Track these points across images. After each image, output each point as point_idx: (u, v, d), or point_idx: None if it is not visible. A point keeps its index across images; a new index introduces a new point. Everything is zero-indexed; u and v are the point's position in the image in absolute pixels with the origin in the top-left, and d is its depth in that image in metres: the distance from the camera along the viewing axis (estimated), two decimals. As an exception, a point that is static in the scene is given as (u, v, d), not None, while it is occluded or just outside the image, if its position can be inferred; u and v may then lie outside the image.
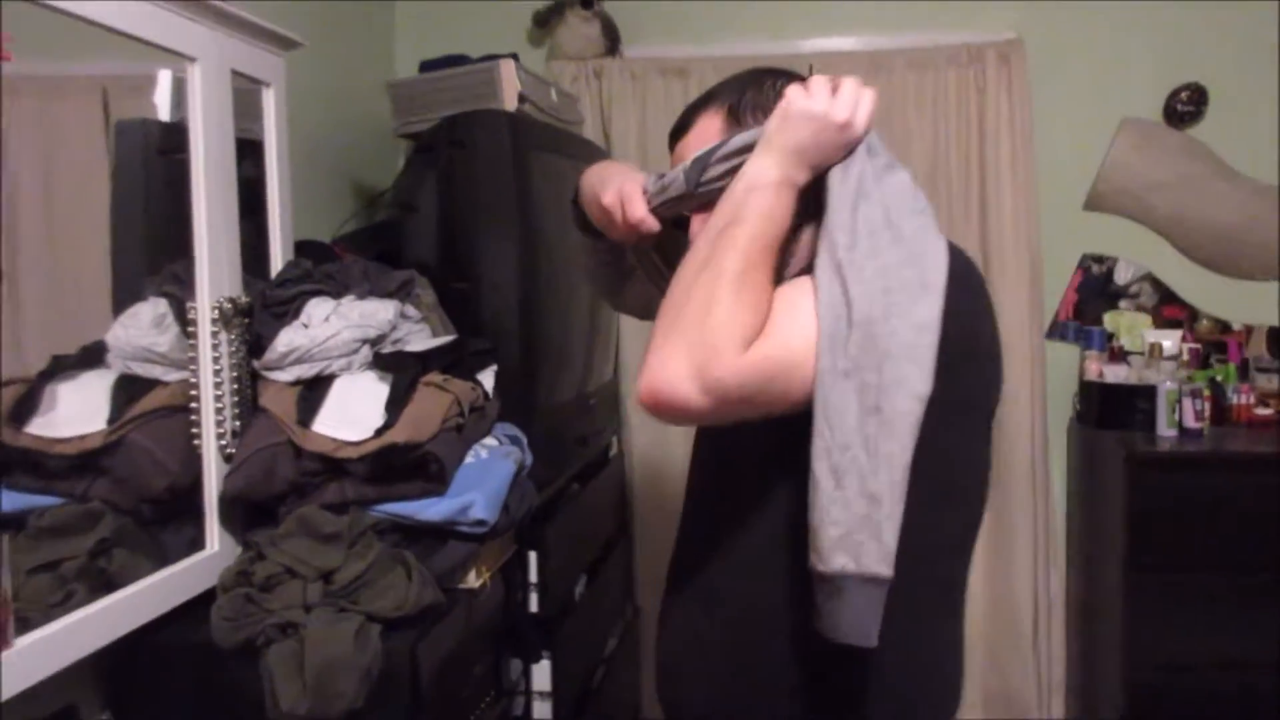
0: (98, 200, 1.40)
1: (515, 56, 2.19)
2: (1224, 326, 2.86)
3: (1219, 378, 2.76)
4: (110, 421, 1.35)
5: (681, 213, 1.15)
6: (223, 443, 1.45)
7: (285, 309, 1.51)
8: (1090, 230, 2.91)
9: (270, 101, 1.65)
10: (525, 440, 1.75)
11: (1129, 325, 2.87)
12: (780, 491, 1.09)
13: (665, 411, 0.97)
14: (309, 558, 1.37)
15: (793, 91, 1.05)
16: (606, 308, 2.50)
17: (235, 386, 1.47)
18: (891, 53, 2.83)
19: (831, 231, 1.01)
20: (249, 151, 1.58)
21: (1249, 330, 2.85)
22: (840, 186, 1.03)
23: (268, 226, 1.66)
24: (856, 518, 0.94)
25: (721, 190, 1.07)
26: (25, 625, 1.12)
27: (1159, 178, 2.85)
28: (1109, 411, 2.70)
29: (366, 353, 1.53)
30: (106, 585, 1.27)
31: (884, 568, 0.94)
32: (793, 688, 1.10)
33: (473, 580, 1.56)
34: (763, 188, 1.02)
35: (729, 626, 1.15)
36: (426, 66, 2.38)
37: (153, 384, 1.41)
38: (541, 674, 1.93)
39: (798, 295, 1.01)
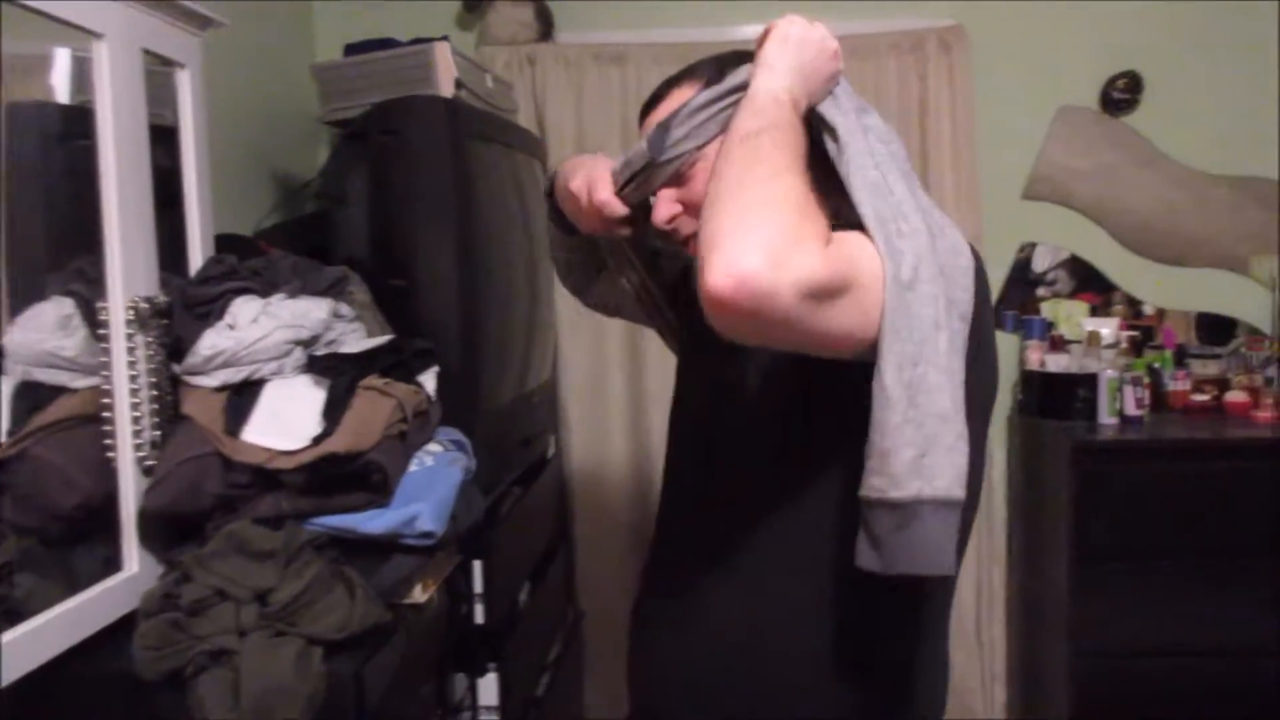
0: (-13, 190, 1.27)
1: (446, 40, 2.09)
2: (1136, 312, 2.89)
3: (1157, 364, 2.79)
4: (10, 434, 1.24)
5: (649, 194, 1.10)
6: (141, 454, 1.33)
7: (208, 309, 1.40)
8: (1030, 218, 2.92)
9: (186, 84, 1.52)
10: (469, 445, 1.66)
11: (1067, 314, 2.89)
12: (828, 478, 1.07)
13: (747, 300, 0.86)
14: (241, 578, 1.26)
15: (785, 20, 1.04)
16: (546, 303, 2.43)
17: (154, 393, 1.35)
18: (831, 40, 2.79)
19: (855, 156, 1.00)
20: (160, 139, 1.46)
21: (1160, 314, 2.90)
22: (842, 117, 1.04)
23: (185, 220, 1.54)
24: (929, 438, 0.91)
25: (685, 157, 1.06)
26: (-84, 667, 1.00)
27: (1081, 166, 2.88)
28: (1050, 401, 2.71)
29: (299, 355, 1.42)
30: (11, 615, 1.15)
31: (959, 489, 0.92)
32: (845, 677, 1.09)
33: (419, 595, 1.46)
34: (782, 102, 0.99)
35: (782, 621, 1.11)
36: (351, 50, 2.26)
37: (58, 391, 1.29)
38: (488, 688, 1.85)
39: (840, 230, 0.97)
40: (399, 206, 1.80)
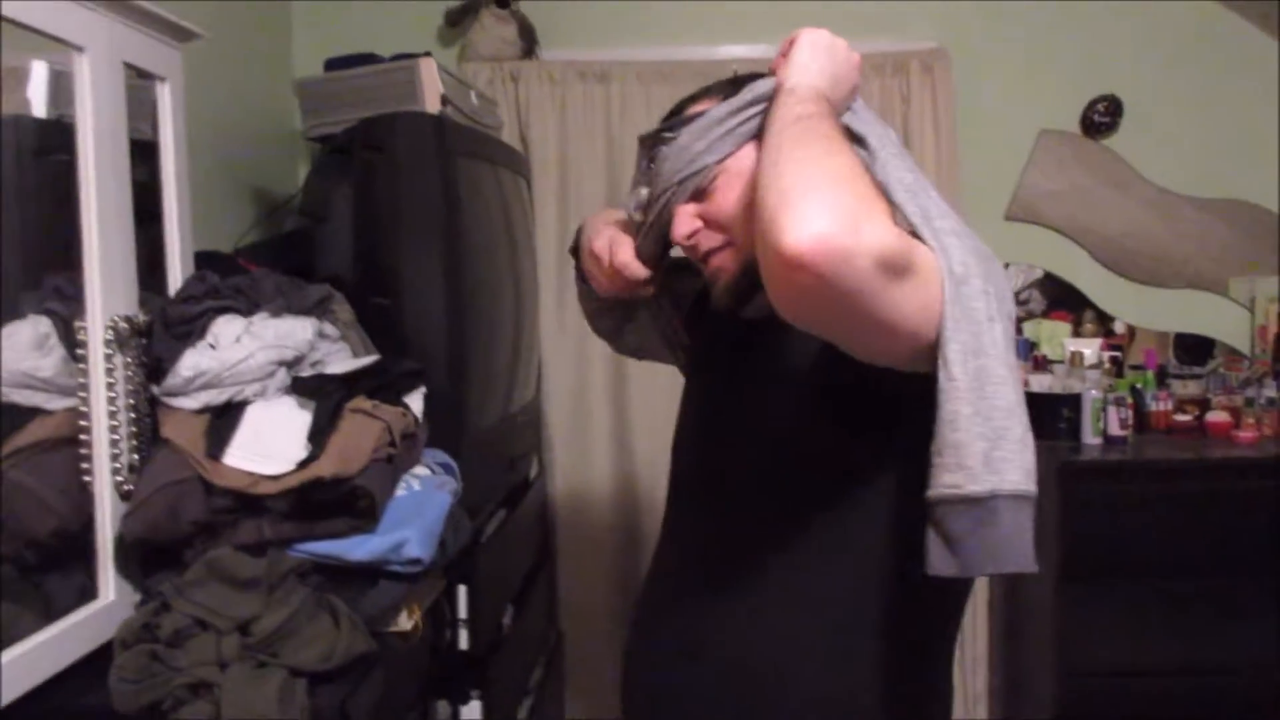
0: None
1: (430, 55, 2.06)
2: (1107, 331, 2.91)
3: (1139, 385, 2.79)
4: (-16, 457, 1.19)
5: (669, 217, 1.11)
6: (119, 479, 1.29)
7: (189, 328, 1.36)
8: (1012, 239, 2.93)
9: (166, 98, 1.49)
10: (456, 467, 1.63)
11: (1049, 334, 2.90)
12: (881, 486, 1.05)
13: (826, 261, 0.82)
14: (223, 607, 1.22)
15: (810, 29, 1.05)
16: (530, 322, 2.40)
17: (133, 415, 1.31)
18: (815, 60, 2.79)
19: (889, 160, 1.00)
20: (138, 154, 1.42)
21: (1131, 334, 2.92)
22: (868, 127, 1.04)
23: (164, 237, 1.50)
24: (998, 431, 0.89)
25: (706, 171, 1.07)
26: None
27: (1062, 188, 2.90)
28: (1034, 421, 2.68)
29: (283, 376, 1.38)
30: (-18, 647, 1.11)
31: (1032, 484, 0.91)
32: (888, 684, 1.08)
33: (404, 622, 1.43)
34: (822, 98, 0.99)
35: (836, 630, 1.08)
36: (332, 65, 2.22)
37: (34, 413, 1.24)
38: (471, 715, 1.81)
39: None
40: (384, 223, 1.77)
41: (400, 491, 1.42)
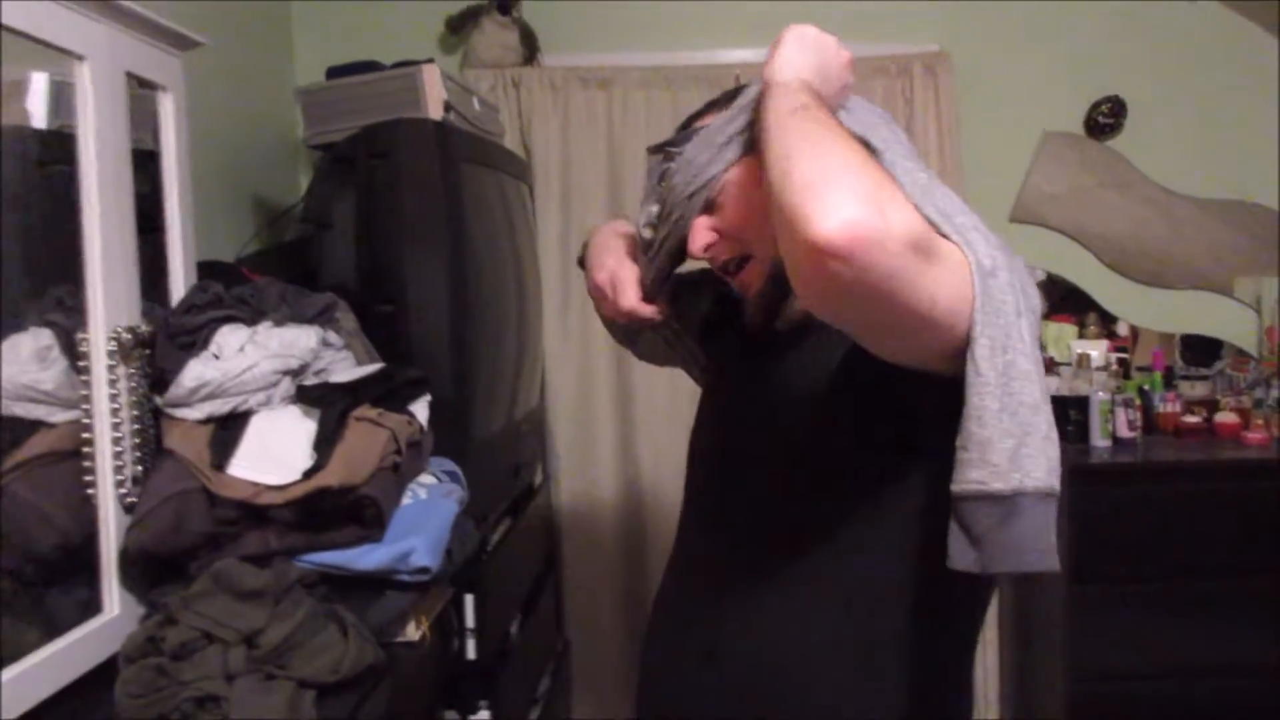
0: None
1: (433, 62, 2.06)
2: (1110, 332, 2.89)
3: (1146, 386, 2.78)
4: (-14, 471, 1.18)
5: (681, 236, 1.09)
6: (122, 491, 1.28)
7: (192, 338, 1.35)
8: (1017, 242, 2.91)
9: (168, 107, 1.48)
10: (462, 475, 1.62)
11: (1056, 336, 2.89)
12: (901, 493, 1.04)
13: (860, 248, 0.80)
14: (229, 619, 1.20)
15: (797, 25, 1.03)
16: (534, 328, 2.40)
17: (136, 427, 1.30)
18: (817, 63, 2.79)
19: (899, 160, 0.99)
20: (140, 163, 1.42)
21: (1135, 335, 2.90)
22: (870, 129, 1.02)
23: (165, 246, 1.49)
24: (1024, 427, 0.89)
25: (714, 182, 1.06)
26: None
27: (1066, 190, 2.89)
28: (1043, 422, 2.69)
29: (288, 385, 1.37)
30: (-14, 664, 1.10)
31: (1055, 481, 0.90)
32: (912, 685, 1.06)
33: (412, 632, 1.41)
34: (810, 89, 0.97)
35: (858, 634, 1.07)
36: (334, 73, 2.22)
37: (36, 426, 1.23)
38: (479, 726, 1.79)
39: None
40: (388, 231, 1.76)
41: (406, 500, 1.41)
